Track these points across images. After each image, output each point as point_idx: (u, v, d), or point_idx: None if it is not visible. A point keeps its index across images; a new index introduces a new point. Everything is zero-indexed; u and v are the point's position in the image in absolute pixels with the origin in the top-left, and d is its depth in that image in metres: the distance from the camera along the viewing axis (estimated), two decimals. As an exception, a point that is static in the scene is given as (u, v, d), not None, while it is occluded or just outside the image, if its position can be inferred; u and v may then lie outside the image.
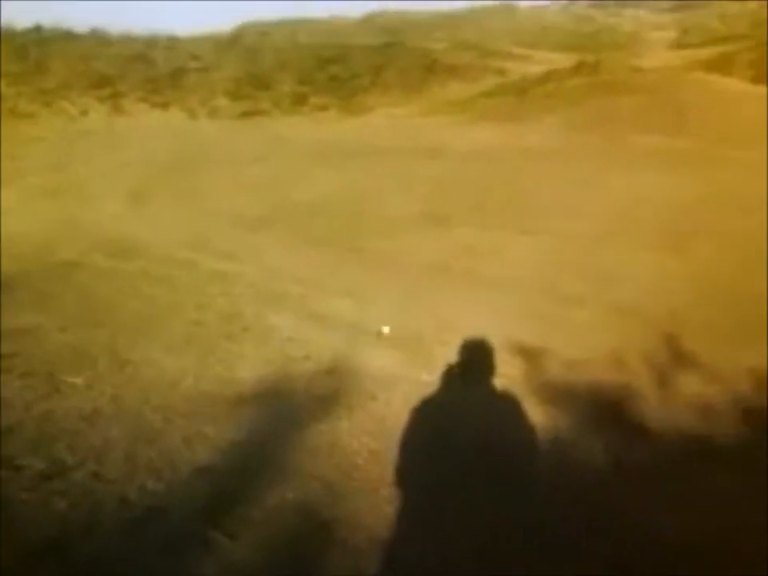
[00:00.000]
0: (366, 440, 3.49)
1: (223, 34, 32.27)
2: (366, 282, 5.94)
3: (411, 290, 5.73)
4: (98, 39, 26.20)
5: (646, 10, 47.17)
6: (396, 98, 21.25)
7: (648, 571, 2.66)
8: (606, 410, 3.81)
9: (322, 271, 6.26)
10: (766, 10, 28.28)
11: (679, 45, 31.63)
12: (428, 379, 3.87)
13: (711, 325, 4.85)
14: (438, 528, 2.78)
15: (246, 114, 19.64)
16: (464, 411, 3.31)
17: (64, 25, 26.05)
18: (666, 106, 13.91)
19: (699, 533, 2.78)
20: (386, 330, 4.86)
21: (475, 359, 3.64)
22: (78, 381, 4.08)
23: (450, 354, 3.85)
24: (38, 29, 25.36)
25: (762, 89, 15.33)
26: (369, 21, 43.65)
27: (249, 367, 4.33)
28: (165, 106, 20.43)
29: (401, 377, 4.13)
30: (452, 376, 3.65)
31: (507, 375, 3.94)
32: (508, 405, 3.32)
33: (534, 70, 22.40)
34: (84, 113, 19.21)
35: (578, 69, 20.15)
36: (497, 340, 3.92)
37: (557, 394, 3.93)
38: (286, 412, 3.80)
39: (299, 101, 21.16)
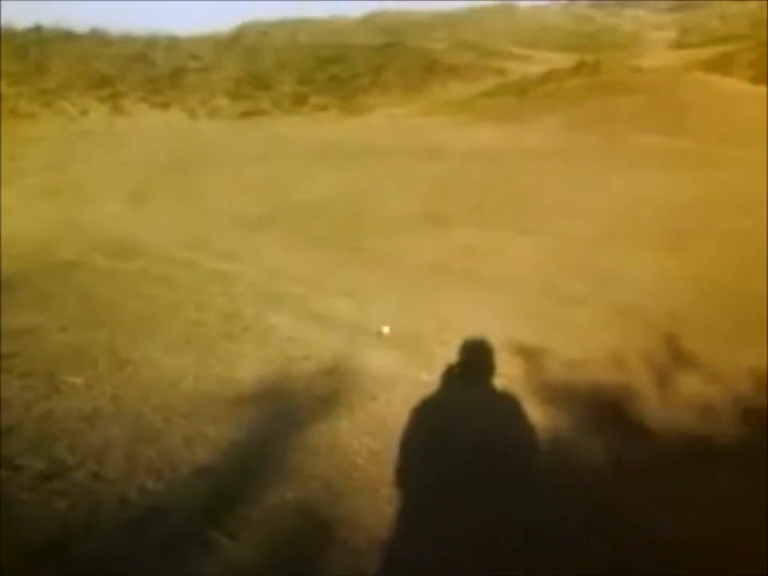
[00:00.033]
0: (366, 440, 3.49)
1: (223, 34, 32.27)
2: (365, 281, 5.94)
3: (411, 289, 5.72)
4: (97, 39, 26.20)
5: (646, 9, 47.17)
6: (396, 98, 21.25)
7: (648, 571, 2.66)
8: (606, 410, 3.81)
9: (322, 271, 6.26)
10: (765, 9, 28.28)
11: (679, 45, 31.62)
12: (428, 379, 3.87)
13: (711, 325, 4.85)
14: (438, 528, 2.78)
15: (246, 114, 19.64)
16: (464, 411, 3.31)
17: (64, 25, 26.07)
18: (666, 106, 13.90)
19: (699, 533, 2.78)
20: (386, 329, 4.86)
21: (475, 359, 3.64)
22: (78, 381, 4.08)
23: (450, 354, 3.85)
24: (37, 29, 25.36)
25: (761, 89, 15.32)
26: (369, 21, 43.65)
27: (249, 367, 4.33)
28: (165, 105, 20.43)
29: (401, 377, 4.13)
30: (452, 376, 3.65)
31: (507, 375, 3.94)
32: (508, 405, 3.32)
33: (534, 70, 22.40)
34: (84, 113, 19.21)
35: (578, 69, 20.14)
36: (497, 340, 3.93)
37: (557, 394, 3.93)
38: (286, 412, 3.80)
39: (299, 101, 21.16)
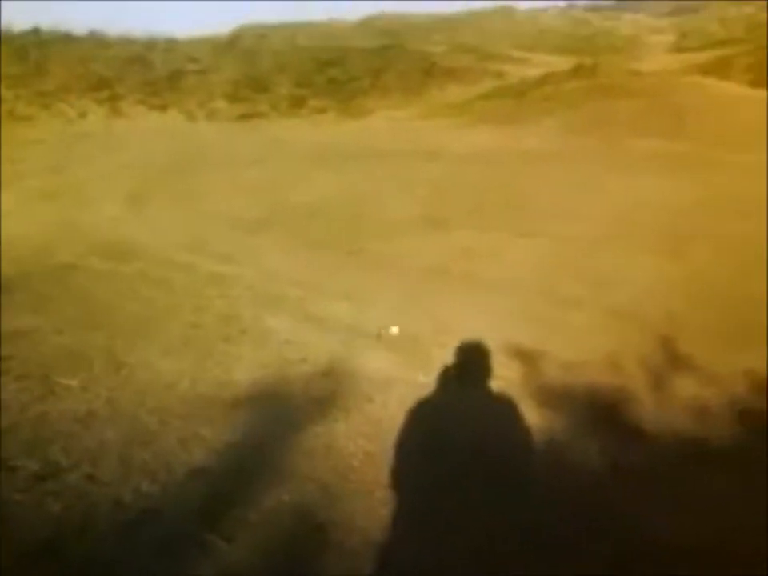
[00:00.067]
0: (363, 442, 3.48)
1: (221, 37, 32.25)
2: (364, 284, 5.94)
3: (409, 292, 5.72)
4: (96, 41, 26.18)
5: (645, 13, 47.29)
6: (395, 101, 21.26)
7: (644, 573, 2.66)
8: (602, 413, 3.81)
9: (320, 274, 6.26)
10: (762, 13, 28.34)
11: (677, 48, 31.65)
12: (425, 381, 3.87)
13: (708, 328, 4.86)
14: (434, 530, 2.78)
15: (245, 117, 19.63)
16: (461, 413, 3.31)
17: (62, 27, 26.01)
18: (664, 110, 13.93)
19: (696, 535, 2.78)
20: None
21: (472, 361, 3.65)
22: (74, 383, 4.07)
23: (447, 357, 3.85)
24: (36, 31, 25.34)
25: (759, 92, 15.36)
26: (367, 24, 43.68)
27: (246, 369, 4.32)
28: (163, 108, 20.42)
29: (397, 379, 4.12)
30: (449, 378, 3.65)
31: (504, 377, 3.94)
32: (504, 407, 3.32)
33: (532, 72, 22.43)
34: (82, 115, 19.20)
35: (576, 72, 20.16)
36: (494, 342, 3.93)
37: (553, 397, 3.93)
38: (283, 414, 3.80)
39: (298, 103, 21.16)
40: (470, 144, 13.22)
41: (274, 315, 5.24)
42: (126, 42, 26.63)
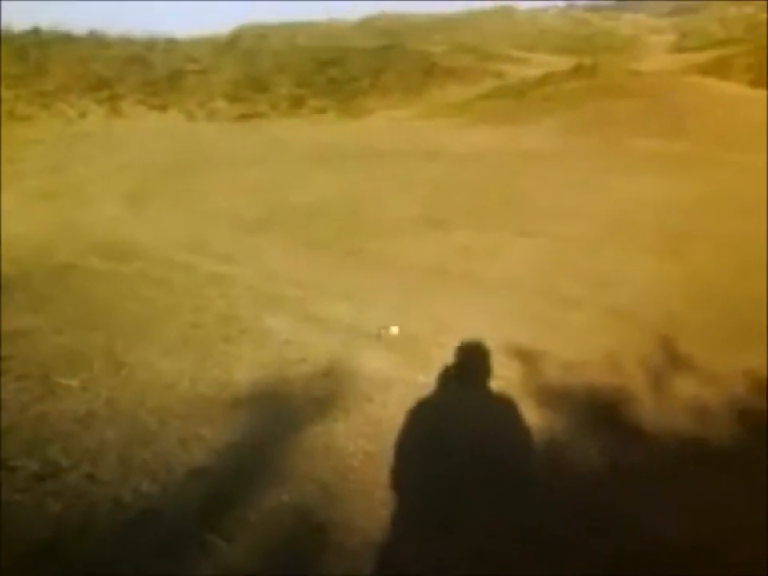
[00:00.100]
0: (362, 442, 3.48)
1: (221, 37, 32.25)
2: (364, 284, 5.94)
3: (409, 292, 5.72)
4: (96, 41, 26.17)
5: (645, 13, 47.33)
6: (395, 101, 21.27)
7: (644, 573, 2.66)
8: (602, 413, 3.81)
9: (320, 273, 6.26)
10: (762, 12, 28.34)
11: (677, 48, 31.68)
12: (424, 381, 3.87)
13: (708, 328, 4.85)
14: (433, 530, 2.78)
15: (244, 117, 19.63)
16: (460, 413, 3.31)
17: (62, 27, 26.00)
18: (664, 110, 13.94)
19: (696, 535, 2.78)
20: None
21: (472, 361, 3.65)
22: (74, 383, 4.07)
23: (447, 356, 3.85)
24: (36, 31, 25.34)
25: (759, 92, 15.37)
26: (367, 24, 43.68)
27: (245, 370, 4.32)
28: (163, 108, 20.42)
29: (397, 379, 4.12)
30: (448, 378, 3.65)
31: (504, 377, 3.94)
32: (504, 407, 3.32)
33: (532, 72, 22.44)
34: (82, 115, 19.20)
35: (576, 72, 20.17)
36: (494, 342, 3.94)
37: (553, 397, 3.92)
38: (282, 414, 3.80)
39: (297, 103, 21.16)
40: (469, 144, 13.22)
41: (274, 315, 5.24)
42: (126, 42, 26.63)
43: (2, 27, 23.57)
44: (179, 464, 3.28)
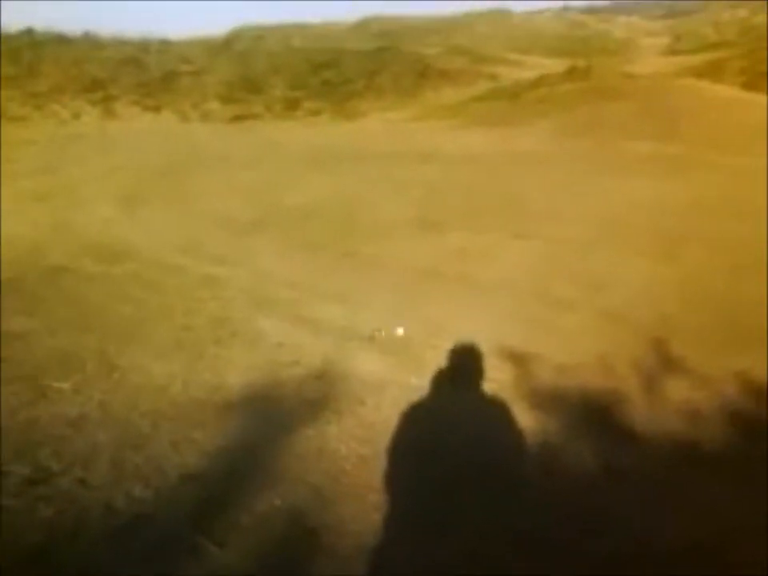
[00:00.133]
0: (355, 445, 3.47)
1: (216, 38, 32.28)
2: (358, 286, 5.93)
3: (403, 294, 5.71)
4: (90, 43, 26.16)
5: (639, 16, 47.54)
6: (389, 103, 21.30)
7: (637, 575, 2.66)
8: (595, 415, 3.81)
9: (314, 275, 6.25)
10: (755, 16, 28.47)
11: (671, 51, 31.85)
12: (417, 384, 3.86)
13: (701, 330, 4.86)
14: (426, 533, 2.77)
15: (239, 118, 19.63)
16: (453, 416, 3.31)
17: (56, 28, 26.00)
18: (658, 112, 14.00)
19: (688, 538, 2.78)
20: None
21: (465, 364, 3.65)
22: (65, 386, 4.05)
23: (440, 359, 3.85)
24: (29, 32, 25.28)
25: (752, 95, 15.45)
26: (362, 26, 43.75)
27: (238, 372, 4.30)
28: (157, 109, 20.40)
29: (390, 381, 4.11)
30: (442, 381, 3.65)
31: (497, 380, 3.93)
32: (497, 409, 3.32)
33: (527, 75, 22.53)
34: (76, 116, 19.17)
35: (570, 74, 20.25)
36: (487, 344, 3.94)
37: (546, 399, 3.92)
38: (275, 417, 3.78)
39: (292, 105, 21.18)
40: (464, 146, 13.25)
41: (267, 317, 5.22)
42: (120, 43, 26.62)
43: None
44: (171, 467, 3.27)
